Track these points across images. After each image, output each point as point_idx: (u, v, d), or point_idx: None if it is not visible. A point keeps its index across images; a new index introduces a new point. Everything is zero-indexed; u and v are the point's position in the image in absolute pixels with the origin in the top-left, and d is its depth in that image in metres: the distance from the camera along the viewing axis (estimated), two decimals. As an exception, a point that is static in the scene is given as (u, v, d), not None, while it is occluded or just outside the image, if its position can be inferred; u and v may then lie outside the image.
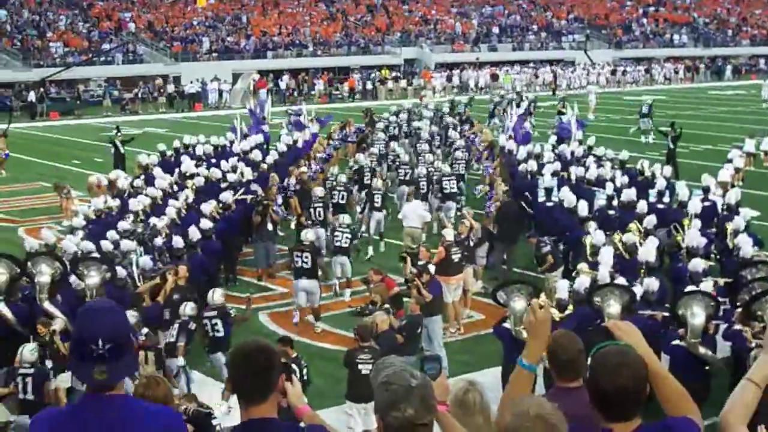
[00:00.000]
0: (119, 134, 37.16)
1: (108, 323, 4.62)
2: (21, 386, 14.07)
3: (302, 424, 5.29)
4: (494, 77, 77.84)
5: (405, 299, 18.53)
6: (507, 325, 14.96)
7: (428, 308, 17.39)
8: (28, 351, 14.26)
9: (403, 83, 75.57)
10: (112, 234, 20.80)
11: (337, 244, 22.73)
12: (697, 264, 17.74)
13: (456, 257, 20.42)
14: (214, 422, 11.11)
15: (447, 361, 16.15)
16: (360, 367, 14.53)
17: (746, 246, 19.04)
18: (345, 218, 23.62)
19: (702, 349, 14.23)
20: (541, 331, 5.52)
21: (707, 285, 16.23)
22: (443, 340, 19.02)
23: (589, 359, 5.04)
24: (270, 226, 23.92)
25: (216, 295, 17.55)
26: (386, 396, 4.47)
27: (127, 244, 20.15)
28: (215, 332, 17.09)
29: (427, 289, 17.51)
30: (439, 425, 5.01)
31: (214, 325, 17.10)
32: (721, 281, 17.38)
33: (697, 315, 14.19)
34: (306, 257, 20.31)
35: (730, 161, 31.28)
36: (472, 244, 21.83)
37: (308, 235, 21.10)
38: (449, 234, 20.90)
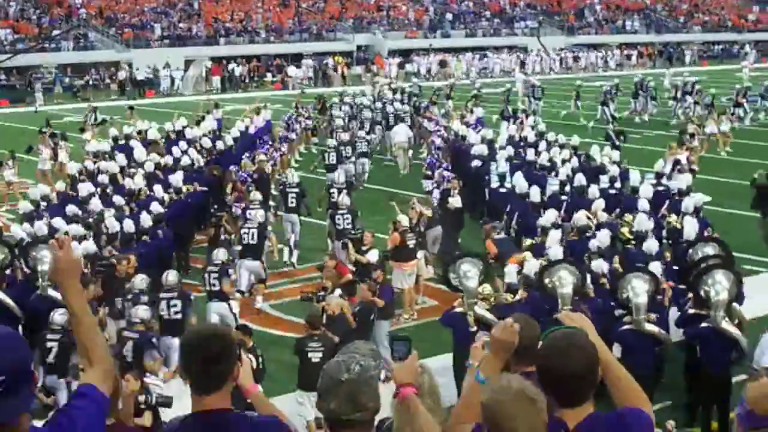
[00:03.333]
0: (49, 128, 36.57)
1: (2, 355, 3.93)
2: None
3: (254, 414, 5.18)
4: (443, 64, 77.86)
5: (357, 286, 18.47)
6: (457, 310, 15.02)
7: (379, 311, 17.21)
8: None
9: (358, 69, 75.37)
10: (58, 219, 20.66)
11: None
12: (652, 246, 17.84)
13: (411, 243, 20.52)
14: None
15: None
16: (310, 355, 14.53)
17: (690, 228, 19.11)
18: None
19: (649, 326, 14.28)
20: (504, 349, 5.43)
21: (655, 266, 16.28)
22: (399, 326, 19.14)
23: (540, 343, 5.01)
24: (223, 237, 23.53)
25: (170, 276, 17.47)
26: (319, 384, 4.49)
27: (74, 228, 20.04)
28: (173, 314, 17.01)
29: (380, 292, 17.35)
30: (407, 408, 4.99)
31: (172, 306, 17.03)
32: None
33: (638, 293, 14.26)
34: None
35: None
36: (422, 229, 21.88)
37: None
38: (404, 220, 20.89)
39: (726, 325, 14.04)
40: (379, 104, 41.74)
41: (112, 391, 4.69)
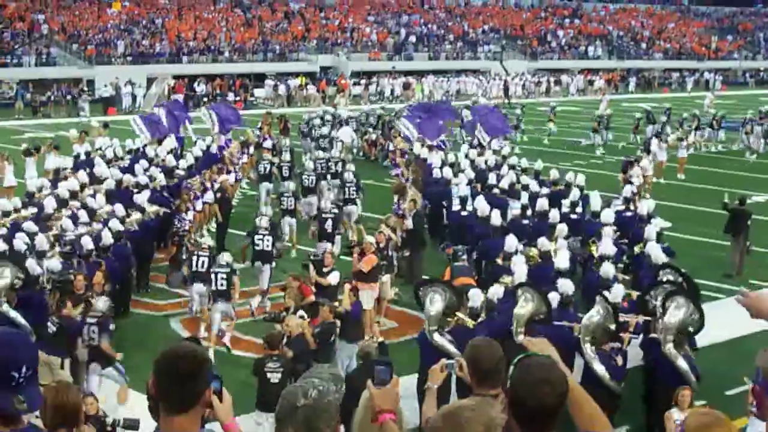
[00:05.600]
0: None
1: (27, 350, 4.48)
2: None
3: None
4: (406, 86, 78.05)
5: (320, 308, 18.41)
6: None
7: (347, 333, 17.17)
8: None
9: (312, 90, 75.43)
10: (22, 235, 20.49)
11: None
12: (608, 270, 17.90)
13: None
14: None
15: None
16: (269, 375, 14.54)
17: (656, 253, 19.15)
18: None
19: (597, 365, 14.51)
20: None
21: (616, 291, 16.36)
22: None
23: (511, 369, 4.92)
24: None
25: (100, 303, 16.90)
26: (277, 409, 4.44)
27: (40, 240, 19.94)
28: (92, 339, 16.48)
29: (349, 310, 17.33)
30: None
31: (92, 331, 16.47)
32: (634, 294, 17.56)
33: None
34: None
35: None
36: (390, 252, 21.90)
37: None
38: (371, 240, 20.90)
39: (672, 350, 14.29)
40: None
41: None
